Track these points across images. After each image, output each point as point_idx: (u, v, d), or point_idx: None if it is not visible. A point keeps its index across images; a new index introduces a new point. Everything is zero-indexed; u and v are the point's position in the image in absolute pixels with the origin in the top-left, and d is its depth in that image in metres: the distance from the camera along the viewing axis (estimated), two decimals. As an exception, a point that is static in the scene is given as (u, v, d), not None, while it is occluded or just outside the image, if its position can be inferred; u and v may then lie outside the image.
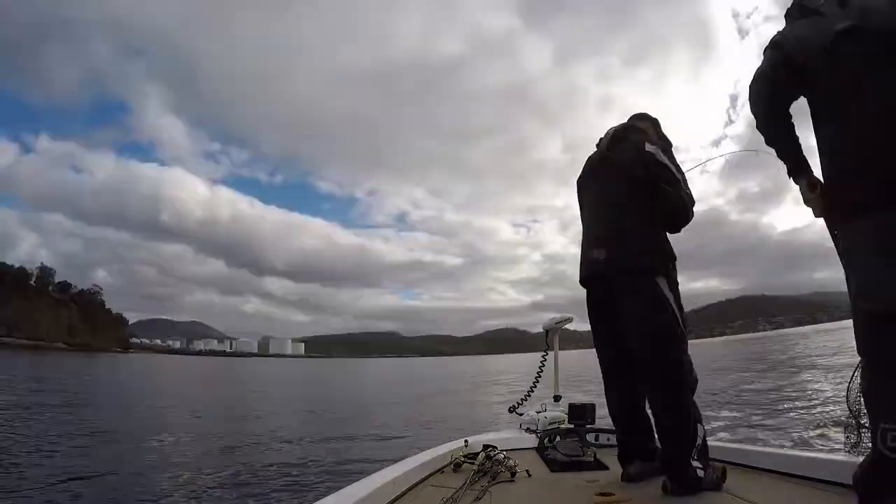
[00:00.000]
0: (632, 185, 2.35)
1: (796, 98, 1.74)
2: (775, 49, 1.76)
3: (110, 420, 10.98)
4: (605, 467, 2.62)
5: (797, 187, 1.80)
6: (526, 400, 3.70)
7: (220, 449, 8.10)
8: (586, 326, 2.62)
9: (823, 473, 2.01)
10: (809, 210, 1.78)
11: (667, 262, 2.30)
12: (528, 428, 3.41)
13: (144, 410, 13.39)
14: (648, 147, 2.34)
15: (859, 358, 1.58)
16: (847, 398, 2.42)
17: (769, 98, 1.79)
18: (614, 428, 2.57)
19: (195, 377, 37.07)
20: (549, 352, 3.63)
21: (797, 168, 1.78)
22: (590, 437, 3.13)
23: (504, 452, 2.56)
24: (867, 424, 1.90)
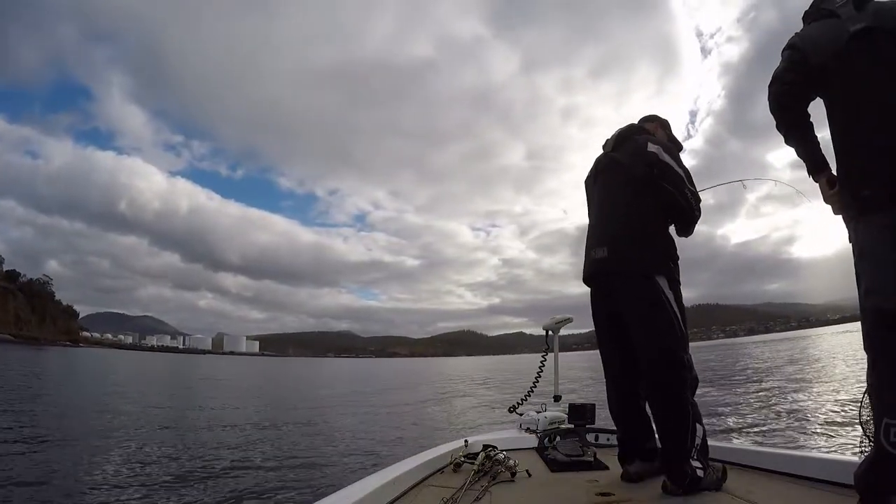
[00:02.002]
0: (634, 184, 2.36)
1: (812, 98, 1.78)
2: (791, 50, 1.80)
3: (52, 418, 10.53)
4: (605, 467, 2.62)
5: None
6: (526, 400, 3.68)
7: (174, 454, 7.57)
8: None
9: (823, 473, 2.02)
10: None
11: (668, 262, 2.30)
12: (528, 428, 3.41)
13: (91, 407, 12.76)
14: (651, 147, 2.35)
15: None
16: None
17: (785, 99, 1.82)
18: (615, 428, 2.57)
19: (147, 373, 35.80)
20: (548, 352, 3.62)
21: (816, 166, 1.81)
22: (590, 437, 3.13)
23: (504, 452, 2.55)
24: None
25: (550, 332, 3.61)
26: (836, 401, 9.38)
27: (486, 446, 2.62)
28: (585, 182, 2.76)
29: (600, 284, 2.48)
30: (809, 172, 1.84)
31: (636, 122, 2.69)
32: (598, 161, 2.66)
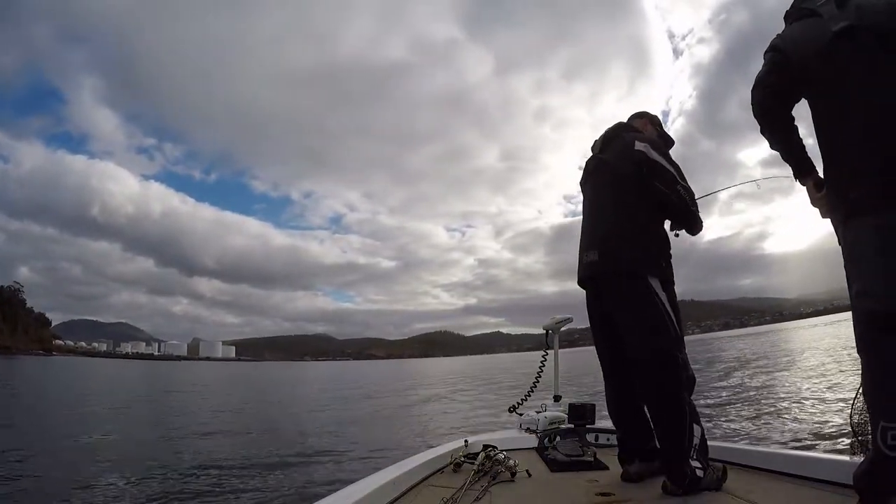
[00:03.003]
0: (623, 184, 2.35)
1: (797, 100, 1.75)
2: (773, 52, 1.77)
3: (24, 428, 10.30)
4: (605, 467, 2.62)
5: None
6: (526, 400, 3.69)
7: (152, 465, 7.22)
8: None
9: (823, 473, 2.02)
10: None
11: (660, 262, 2.30)
12: (528, 428, 3.41)
13: (65, 418, 12.46)
14: (638, 146, 2.32)
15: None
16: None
17: (768, 102, 1.80)
18: (615, 428, 2.57)
19: (122, 381, 34.98)
20: (548, 352, 3.63)
21: (802, 170, 1.81)
22: (590, 437, 3.13)
23: (504, 452, 2.55)
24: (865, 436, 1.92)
25: (550, 332, 3.61)
26: (832, 400, 9.45)
27: (486, 446, 2.62)
28: (580, 184, 2.74)
29: (593, 286, 2.47)
30: (795, 176, 1.84)
31: (625, 120, 2.67)
32: (588, 163, 2.65)
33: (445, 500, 1.99)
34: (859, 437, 2.09)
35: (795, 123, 1.81)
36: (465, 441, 2.81)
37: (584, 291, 2.55)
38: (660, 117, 2.69)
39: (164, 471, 6.72)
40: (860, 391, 1.84)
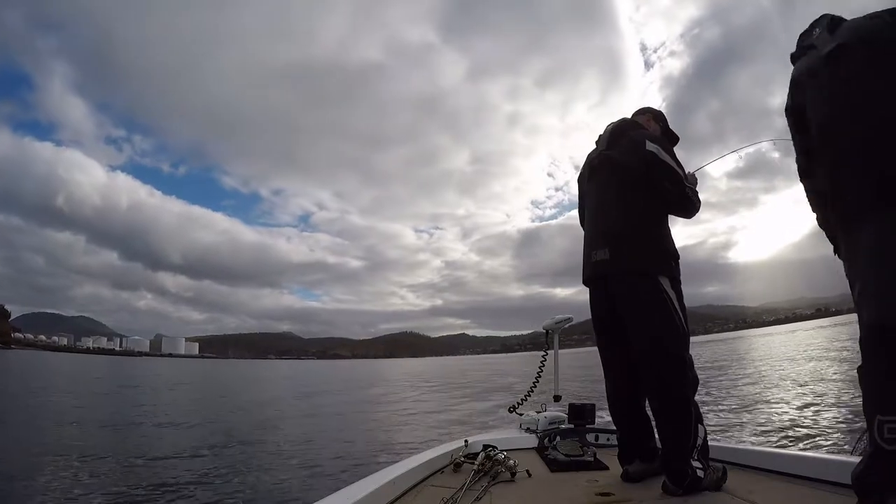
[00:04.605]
0: (633, 184, 2.34)
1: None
2: (787, 118, 1.87)
3: None
4: (605, 467, 2.62)
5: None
6: (526, 400, 3.67)
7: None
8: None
9: (823, 473, 2.05)
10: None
11: (669, 261, 2.30)
12: (528, 428, 3.40)
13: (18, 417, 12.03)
14: (649, 146, 2.31)
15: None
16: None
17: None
18: (615, 428, 2.57)
19: (81, 377, 34.06)
20: (548, 352, 3.62)
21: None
22: (590, 437, 3.14)
23: (504, 452, 2.53)
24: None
25: (550, 332, 3.60)
26: (829, 403, 9.63)
27: (486, 446, 2.60)
28: (579, 180, 2.73)
29: (601, 285, 2.44)
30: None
31: (611, 122, 2.63)
32: (592, 158, 2.61)
33: (445, 500, 1.97)
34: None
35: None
36: (465, 441, 2.79)
37: (584, 290, 2.55)
38: (664, 113, 2.68)
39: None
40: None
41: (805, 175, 1.91)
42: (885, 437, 1.42)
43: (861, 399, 1.65)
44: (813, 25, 1.81)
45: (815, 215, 1.93)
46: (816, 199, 1.87)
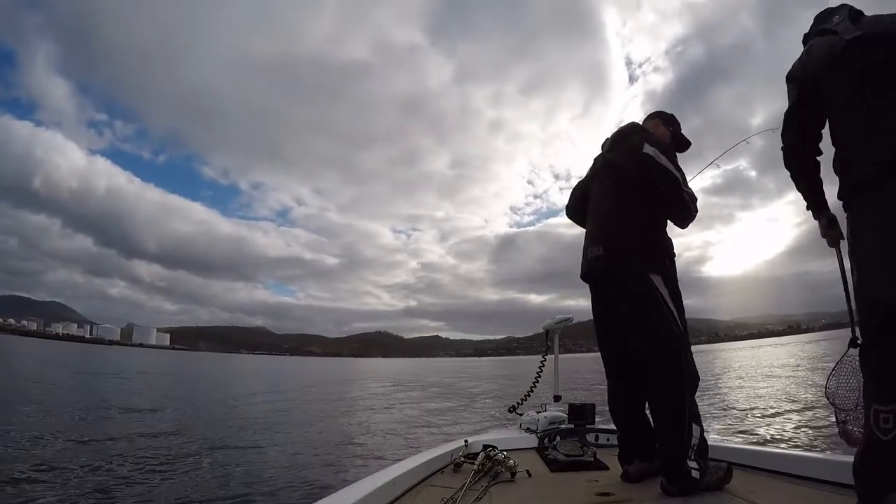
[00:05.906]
0: (628, 185, 2.38)
1: (822, 127, 1.83)
2: (790, 83, 1.87)
3: None
4: (605, 467, 2.63)
5: None
6: (526, 400, 3.67)
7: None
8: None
9: (824, 473, 2.07)
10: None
11: (663, 259, 2.33)
12: (528, 428, 3.39)
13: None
14: (647, 149, 2.34)
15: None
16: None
17: (787, 157, 1.95)
18: (615, 428, 2.58)
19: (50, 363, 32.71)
20: (548, 352, 3.62)
21: (817, 207, 1.96)
22: (590, 437, 3.14)
23: (504, 452, 2.52)
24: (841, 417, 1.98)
25: (550, 332, 3.61)
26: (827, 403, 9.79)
27: (486, 446, 2.59)
28: (586, 180, 2.75)
29: (596, 283, 2.49)
30: (813, 213, 1.99)
31: (640, 121, 2.69)
32: (595, 161, 2.67)
33: (445, 501, 1.96)
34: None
35: (817, 166, 1.93)
36: (465, 441, 2.78)
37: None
38: (676, 116, 2.72)
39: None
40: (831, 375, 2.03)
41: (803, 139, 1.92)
42: (881, 427, 1.45)
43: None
44: (831, 12, 1.85)
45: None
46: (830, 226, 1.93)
